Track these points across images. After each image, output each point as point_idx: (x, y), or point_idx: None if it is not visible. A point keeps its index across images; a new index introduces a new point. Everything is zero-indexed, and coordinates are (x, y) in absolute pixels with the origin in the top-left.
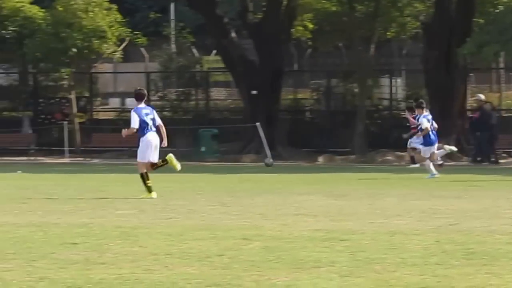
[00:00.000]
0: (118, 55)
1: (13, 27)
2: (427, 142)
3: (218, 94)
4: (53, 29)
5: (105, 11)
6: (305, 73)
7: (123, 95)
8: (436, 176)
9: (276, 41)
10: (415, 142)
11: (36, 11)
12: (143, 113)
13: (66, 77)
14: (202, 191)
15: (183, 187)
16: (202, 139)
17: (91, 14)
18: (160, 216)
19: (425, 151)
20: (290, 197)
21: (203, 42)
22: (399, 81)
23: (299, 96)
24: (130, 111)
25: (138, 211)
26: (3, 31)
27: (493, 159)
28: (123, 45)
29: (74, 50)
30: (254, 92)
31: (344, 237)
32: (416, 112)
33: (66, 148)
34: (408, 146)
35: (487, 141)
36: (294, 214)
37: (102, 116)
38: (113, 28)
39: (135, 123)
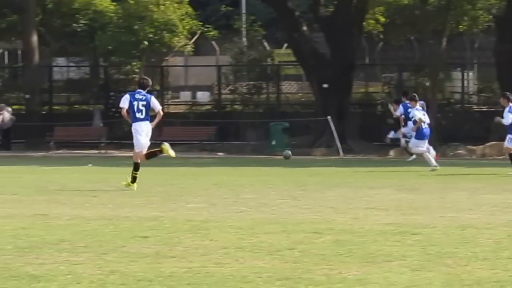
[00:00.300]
0: (189, 48)
1: (85, 21)
2: (419, 135)
3: (289, 87)
4: (125, 22)
5: (176, 4)
6: (376, 66)
7: (194, 89)
8: (436, 167)
9: (347, 34)
10: (393, 135)
11: (107, 5)
12: (136, 97)
13: (137, 70)
14: (273, 185)
15: (254, 180)
16: (273, 133)
17: (162, 7)
18: (231, 209)
19: (416, 144)
20: (361, 190)
21: (274, 36)
22: (471, 75)
23: (370, 89)
24: (201, 105)
25: (208, 204)
26: (75, 25)
27: None
28: (194, 38)
29: (145, 43)
30: (325, 85)
31: (415, 231)
32: (409, 105)
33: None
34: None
35: None
36: (365, 208)
37: (172, 109)
38: (184, 21)
39: (123, 103)
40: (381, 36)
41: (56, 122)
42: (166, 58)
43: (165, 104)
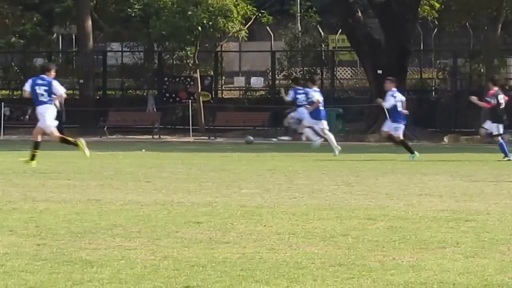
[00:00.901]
0: (243, 33)
1: (139, 6)
2: (315, 115)
3: (343, 73)
4: (179, 8)
5: None
6: (431, 52)
7: (248, 74)
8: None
9: (402, 20)
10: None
11: None
12: (36, 82)
13: (191, 55)
14: (327, 171)
15: (308, 166)
16: (327, 118)
17: None
18: (284, 195)
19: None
20: (415, 177)
21: (328, 21)
22: None
23: (425, 75)
24: (255, 91)
25: (262, 190)
26: (129, 10)
27: None
28: (249, 23)
29: (200, 28)
30: (380, 71)
31: (469, 217)
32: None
33: (191, 127)
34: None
35: None
36: (419, 194)
37: (226, 95)
38: (238, 6)
39: (26, 86)
40: (436, 22)
41: (109, 107)
42: (220, 43)
43: (219, 90)
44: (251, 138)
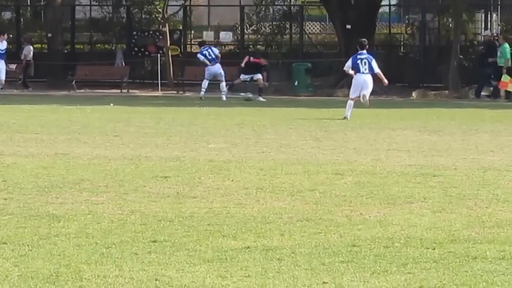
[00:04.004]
0: None
1: None
2: None
3: (312, 28)
4: None
5: None
6: (399, 7)
7: (217, 28)
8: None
9: None
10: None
11: None
12: None
13: (160, 9)
14: (295, 126)
15: (276, 121)
16: (296, 73)
17: None
18: (252, 150)
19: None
20: (383, 132)
21: None
22: (494, 16)
23: (393, 30)
24: (224, 45)
25: (230, 145)
26: None
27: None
28: None
29: None
30: (349, 26)
31: (436, 172)
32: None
33: (159, 81)
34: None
35: (490, 76)
36: (386, 149)
37: (195, 49)
38: None
39: None
40: None
41: (78, 61)
42: None
43: (188, 44)
44: (250, 95)
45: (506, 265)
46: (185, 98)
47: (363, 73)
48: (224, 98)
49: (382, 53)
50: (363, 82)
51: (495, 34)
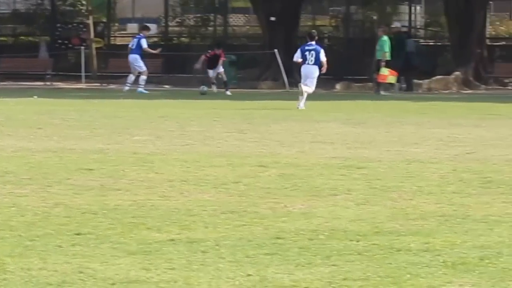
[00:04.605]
0: None
1: None
2: None
3: (236, 20)
4: None
5: None
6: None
7: (141, 21)
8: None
9: None
10: None
11: None
12: None
13: (84, 2)
14: (219, 118)
15: (200, 113)
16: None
17: None
18: (176, 142)
19: None
20: (307, 124)
21: None
22: (418, 9)
23: (318, 23)
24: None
25: (154, 137)
26: None
27: (403, 86)
28: None
29: None
30: (273, 18)
31: (361, 165)
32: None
33: (83, 74)
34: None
35: (401, 69)
36: (311, 142)
37: (119, 41)
38: None
39: None
40: None
41: (1, 54)
42: None
43: (112, 36)
44: (206, 88)
45: (430, 257)
46: (109, 90)
47: (308, 64)
48: (125, 89)
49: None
50: (307, 73)
51: (401, 26)
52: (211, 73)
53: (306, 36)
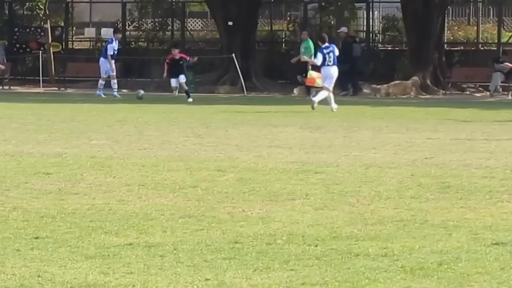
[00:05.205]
0: None
1: None
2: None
3: (194, 24)
4: None
5: None
6: (281, 4)
7: (99, 25)
8: None
9: None
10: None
11: None
12: None
13: (42, 6)
14: (177, 122)
15: (158, 117)
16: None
17: None
18: (134, 146)
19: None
20: (265, 129)
21: None
22: (376, 13)
23: (275, 27)
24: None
25: (112, 141)
26: None
27: (349, 90)
28: None
29: None
30: (230, 23)
31: (318, 169)
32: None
33: (41, 78)
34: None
35: (348, 73)
36: (268, 146)
37: (77, 46)
38: None
39: None
40: None
41: None
42: None
43: (69, 41)
44: (142, 92)
45: (388, 262)
46: (67, 94)
47: (327, 65)
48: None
49: (264, 49)
50: (329, 74)
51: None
52: (173, 82)
53: (318, 41)
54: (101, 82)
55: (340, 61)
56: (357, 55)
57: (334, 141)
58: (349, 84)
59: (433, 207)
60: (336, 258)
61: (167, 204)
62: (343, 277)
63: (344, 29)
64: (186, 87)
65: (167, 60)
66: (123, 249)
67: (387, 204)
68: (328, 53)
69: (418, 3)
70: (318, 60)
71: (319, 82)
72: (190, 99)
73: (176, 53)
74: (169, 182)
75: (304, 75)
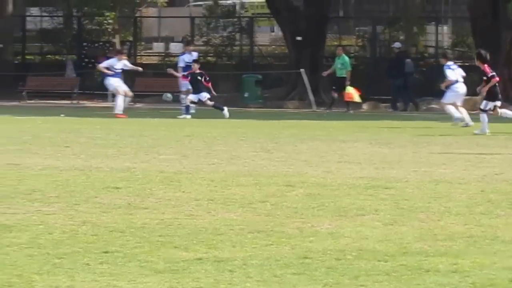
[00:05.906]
0: None
1: None
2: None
3: (262, 39)
4: None
5: None
6: (350, 19)
7: (167, 40)
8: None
9: None
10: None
11: None
12: None
13: (111, 21)
14: (245, 137)
15: (226, 132)
16: (246, 85)
17: None
18: (203, 161)
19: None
20: (334, 144)
21: None
22: (445, 29)
23: (344, 42)
24: (174, 56)
25: (181, 156)
26: None
27: (404, 106)
28: None
29: None
30: (299, 38)
31: (388, 185)
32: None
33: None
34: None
35: (402, 88)
36: (338, 161)
37: (145, 60)
38: None
39: None
40: None
41: (29, 72)
42: (140, 9)
43: (138, 55)
44: (170, 95)
45: (458, 278)
46: (135, 109)
47: (458, 81)
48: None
49: (332, 65)
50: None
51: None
52: (192, 96)
53: (442, 57)
54: (181, 96)
55: (392, 76)
56: (409, 70)
57: (403, 157)
58: (405, 99)
59: (503, 223)
60: (406, 274)
61: (236, 219)
62: None
63: (397, 44)
64: (211, 103)
65: (185, 73)
66: (192, 264)
67: (457, 220)
68: (455, 70)
69: (487, 19)
70: (451, 76)
71: (356, 97)
72: (226, 112)
73: (196, 68)
74: (238, 197)
75: (335, 88)
